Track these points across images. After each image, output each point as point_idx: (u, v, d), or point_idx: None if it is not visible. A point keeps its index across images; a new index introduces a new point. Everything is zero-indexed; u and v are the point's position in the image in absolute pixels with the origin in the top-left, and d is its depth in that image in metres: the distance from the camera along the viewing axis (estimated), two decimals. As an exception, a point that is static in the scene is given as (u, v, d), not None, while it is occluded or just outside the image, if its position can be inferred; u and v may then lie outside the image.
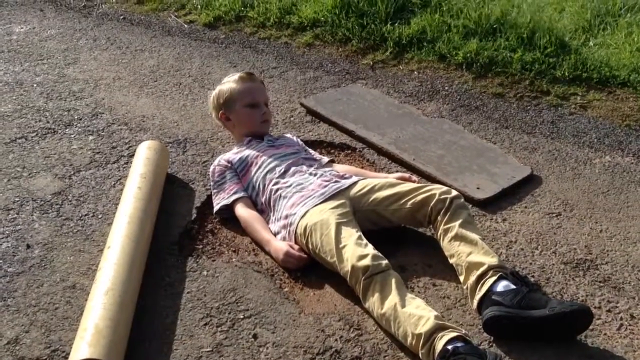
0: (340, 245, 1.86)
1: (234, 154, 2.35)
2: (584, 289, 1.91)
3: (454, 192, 2.01)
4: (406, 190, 2.05)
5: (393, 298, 1.71)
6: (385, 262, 1.81)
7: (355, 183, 2.14)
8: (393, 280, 1.76)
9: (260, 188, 2.22)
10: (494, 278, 1.76)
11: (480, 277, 1.79)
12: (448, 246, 1.93)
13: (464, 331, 1.61)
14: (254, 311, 1.83)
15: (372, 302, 1.75)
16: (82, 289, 1.90)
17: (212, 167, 2.34)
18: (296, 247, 2.03)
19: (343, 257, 1.84)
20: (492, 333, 1.73)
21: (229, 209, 2.22)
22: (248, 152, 2.32)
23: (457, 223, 1.92)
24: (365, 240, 1.88)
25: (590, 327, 1.76)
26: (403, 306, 1.68)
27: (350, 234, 1.89)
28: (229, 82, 2.45)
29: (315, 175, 2.18)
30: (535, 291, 1.75)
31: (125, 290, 1.73)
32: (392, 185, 2.10)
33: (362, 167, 2.54)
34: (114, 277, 1.75)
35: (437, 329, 1.60)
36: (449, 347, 1.54)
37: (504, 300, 1.71)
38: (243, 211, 2.18)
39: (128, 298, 1.73)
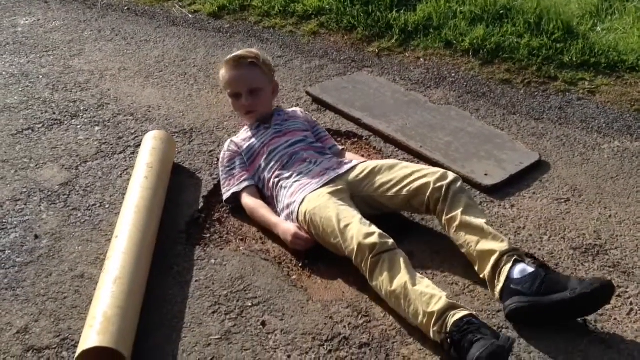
0: (343, 225, 1.85)
1: (243, 140, 2.33)
2: (594, 274, 1.90)
3: (450, 177, 1.96)
4: (402, 176, 2.02)
5: (403, 276, 1.70)
6: (391, 241, 1.80)
7: (353, 167, 2.13)
8: (401, 259, 1.75)
9: (265, 180, 2.22)
10: (509, 265, 1.75)
11: (495, 266, 1.78)
12: (455, 236, 1.92)
13: (475, 312, 1.61)
14: (262, 299, 1.84)
15: (381, 280, 1.74)
16: (90, 278, 1.91)
17: (222, 153, 2.34)
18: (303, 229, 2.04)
19: (347, 235, 1.82)
20: (516, 322, 1.72)
21: (237, 197, 2.22)
22: (254, 142, 2.30)
23: (459, 211, 1.89)
24: (368, 221, 1.87)
25: (600, 312, 1.75)
26: (414, 285, 1.68)
27: (352, 214, 1.88)
28: (222, 64, 2.36)
29: (315, 163, 2.17)
30: (552, 272, 1.74)
31: (133, 279, 1.74)
32: (391, 167, 2.07)
33: (369, 156, 2.53)
34: (122, 266, 1.75)
35: (450, 307, 1.60)
36: (464, 318, 1.55)
37: (524, 289, 1.69)
38: (249, 200, 2.18)
39: (137, 287, 1.74)
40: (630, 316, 1.76)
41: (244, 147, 2.30)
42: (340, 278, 1.90)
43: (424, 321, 1.63)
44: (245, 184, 2.22)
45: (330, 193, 1.99)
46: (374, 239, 1.77)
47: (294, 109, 2.54)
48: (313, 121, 2.50)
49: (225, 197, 2.23)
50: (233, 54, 2.32)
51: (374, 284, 1.78)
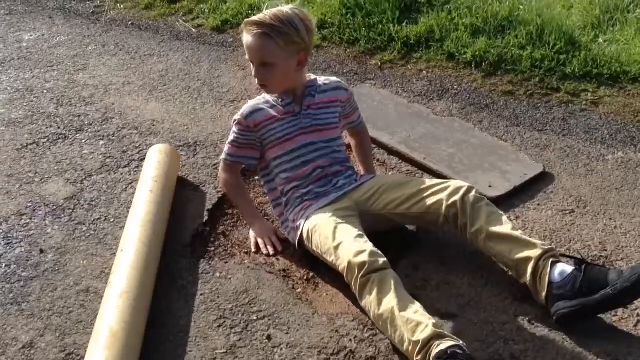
0: (337, 242, 1.82)
1: (266, 120, 2.09)
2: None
3: (462, 189, 1.92)
4: (410, 193, 1.98)
5: (391, 300, 1.66)
6: (383, 259, 1.75)
7: (361, 185, 2.09)
8: (392, 280, 1.71)
9: (277, 179, 2.12)
10: (548, 269, 1.74)
11: (534, 273, 1.77)
12: (485, 249, 1.88)
13: (462, 342, 1.56)
14: (267, 312, 1.83)
15: (369, 301, 1.71)
16: (95, 292, 1.91)
17: (238, 117, 2.11)
18: (282, 235, 2.13)
19: (339, 253, 1.80)
20: (564, 326, 1.74)
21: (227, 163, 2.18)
22: (277, 130, 2.09)
23: (483, 223, 1.85)
24: (365, 238, 1.82)
25: (608, 325, 1.75)
26: (401, 310, 1.64)
27: (349, 232, 1.84)
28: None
29: (333, 184, 2.09)
30: (590, 268, 1.73)
31: (139, 293, 1.73)
32: (399, 185, 2.04)
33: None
34: (127, 280, 1.76)
35: (435, 336, 1.56)
36: (448, 350, 1.51)
37: (566, 292, 1.70)
38: (232, 177, 2.20)
39: (142, 301, 1.74)
40: (638, 328, 1.76)
41: (265, 129, 2.09)
42: (346, 291, 1.89)
43: (409, 349, 1.60)
44: (242, 161, 2.16)
45: (335, 211, 1.96)
46: (363, 257, 1.73)
47: (330, 81, 2.23)
48: (347, 98, 2.24)
49: (223, 156, 2.19)
50: (254, 17, 2.02)
51: (363, 304, 1.75)
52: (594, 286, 1.67)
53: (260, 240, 2.11)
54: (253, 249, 2.09)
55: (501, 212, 1.93)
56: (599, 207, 2.28)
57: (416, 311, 1.64)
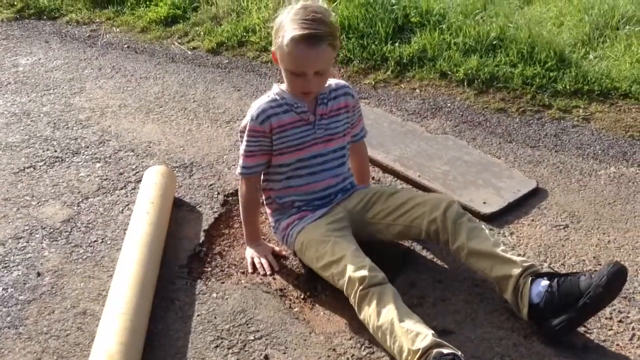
0: (337, 258, 1.84)
1: (280, 124, 1.99)
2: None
3: (443, 204, 1.94)
4: (398, 204, 2.02)
5: (391, 311, 1.68)
6: (382, 275, 1.78)
7: (353, 193, 2.12)
8: (391, 294, 1.73)
9: (275, 183, 2.11)
10: (528, 287, 1.76)
11: (515, 291, 1.79)
12: (467, 264, 1.92)
13: (460, 352, 1.57)
14: (264, 332, 1.84)
15: (368, 313, 1.73)
16: (92, 314, 1.91)
17: (248, 121, 2.00)
18: (281, 252, 2.14)
19: (339, 268, 1.82)
20: (557, 342, 1.77)
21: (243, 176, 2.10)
22: (289, 138, 2.01)
23: (464, 239, 1.88)
24: (362, 253, 1.86)
25: (603, 339, 1.76)
26: (401, 321, 1.66)
27: (347, 247, 1.87)
28: (287, 27, 1.85)
29: (331, 198, 2.10)
30: (564, 280, 1.75)
31: (135, 315, 1.74)
32: (389, 195, 2.07)
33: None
34: (124, 302, 1.76)
35: (435, 345, 1.58)
36: (448, 355, 1.54)
37: (547, 311, 1.73)
38: (252, 193, 2.11)
39: (139, 322, 1.74)
40: (633, 341, 1.77)
41: (277, 137, 2.01)
42: (343, 309, 1.90)
43: (408, 358, 1.61)
44: (258, 169, 2.07)
45: (328, 224, 1.98)
46: (364, 272, 1.76)
47: (338, 85, 2.12)
48: (354, 104, 2.17)
49: (238, 170, 2.09)
50: (309, 28, 1.82)
51: (362, 317, 1.77)
52: (570, 299, 1.70)
53: (257, 260, 2.11)
54: (250, 270, 2.10)
55: (482, 227, 1.95)
56: (592, 222, 2.29)
57: (415, 322, 1.66)
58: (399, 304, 1.72)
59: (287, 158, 2.04)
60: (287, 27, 1.85)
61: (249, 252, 2.16)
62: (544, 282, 1.76)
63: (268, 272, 2.08)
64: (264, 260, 2.11)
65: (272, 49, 1.95)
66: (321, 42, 1.83)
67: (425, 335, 1.60)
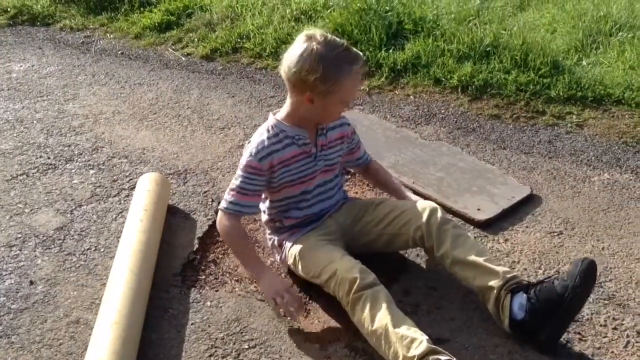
0: (328, 262, 1.84)
1: (282, 160, 1.92)
2: (589, 307, 1.91)
3: (427, 211, 1.94)
4: (385, 213, 2.03)
5: (385, 316, 1.68)
6: (373, 276, 1.78)
7: (342, 206, 2.12)
8: (383, 297, 1.73)
9: (276, 211, 2.07)
10: (509, 298, 1.76)
11: (497, 302, 1.79)
12: (451, 272, 1.92)
13: (455, 359, 1.58)
14: (258, 341, 1.83)
15: (363, 317, 1.72)
16: (85, 323, 1.89)
17: (250, 155, 1.91)
18: (295, 289, 2.01)
19: (330, 272, 1.81)
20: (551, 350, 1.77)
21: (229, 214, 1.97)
22: (295, 170, 1.96)
23: (448, 247, 1.87)
24: (352, 257, 1.85)
25: (598, 346, 1.76)
26: (395, 326, 1.66)
27: (338, 252, 1.88)
28: (339, 62, 1.79)
29: (323, 219, 2.09)
30: (541, 288, 1.75)
31: (129, 324, 1.73)
32: (377, 205, 2.08)
33: (363, 192, 2.55)
34: (117, 310, 1.75)
35: (430, 352, 1.58)
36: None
37: (530, 325, 1.74)
38: (236, 226, 1.96)
39: (132, 331, 1.73)
40: (628, 349, 1.77)
41: (278, 173, 1.94)
42: (337, 317, 1.90)
43: None
44: (247, 211, 1.97)
45: (319, 235, 1.99)
46: (355, 273, 1.75)
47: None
48: (351, 132, 2.16)
49: (224, 205, 1.96)
50: (362, 63, 1.83)
51: (355, 320, 1.76)
52: (551, 304, 1.71)
53: (279, 300, 1.85)
54: (279, 310, 1.92)
55: (467, 235, 1.95)
56: (586, 228, 2.30)
57: (409, 327, 1.66)
58: (392, 308, 1.71)
59: (289, 191, 2.00)
60: (332, 59, 1.76)
61: (265, 289, 1.91)
62: (524, 295, 1.76)
63: (296, 310, 1.86)
64: (287, 297, 1.86)
65: (303, 89, 1.82)
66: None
67: (420, 342, 1.60)
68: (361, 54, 1.84)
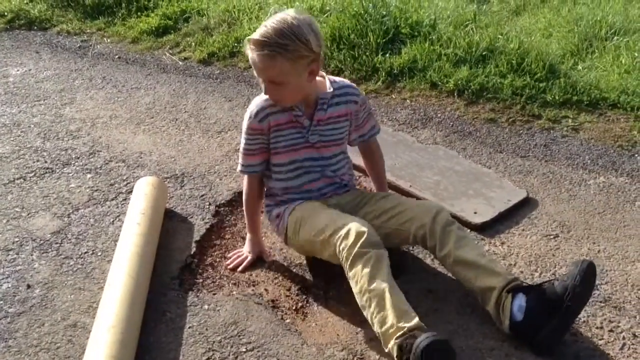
0: (336, 219, 1.88)
1: (276, 125, 1.99)
2: (585, 309, 1.91)
3: (432, 211, 1.95)
4: (389, 206, 2.04)
5: (384, 280, 1.72)
6: (380, 240, 1.83)
7: (345, 192, 2.15)
8: (386, 263, 1.78)
9: (273, 182, 2.11)
10: (510, 300, 1.77)
11: (497, 303, 1.80)
12: (452, 272, 1.93)
13: (447, 338, 1.64)
14: (256, 344, 1.83)
15: (361, 273, 1.74)
16: (83, 327, 1.89)
17: (250, 117, 1.99)
18: (269, 258, 2.18)
19: (337, 226, 1.84)
20: (548, 352, 1.78)
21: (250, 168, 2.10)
22: (286, 136, 2.02)
23: (452, 247, 1.88)
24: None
25: (593, 348, 1.77)
26: (392, 295, 1.69)
27: (347, 215, 1.92)
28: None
29: (325, 194, 2.13)
30: (542, 292, 1.77)
31: (126, 327, 1.73)
32: (381, 197, 2.11)
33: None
34: (115, 314, 1.75)
35: (419, 328, 1.65)
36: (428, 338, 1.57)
37: (531, 324, 1.74)
38: (250, 187, 2.14)
39: (130, 335, 1.73)
40: (624, 351, 1.77)
41: (272, 136, 2.01)
42: (335, 320, 1.90)
43: (390, 331, 1.65)
44: (258, 169, 2.09)
45: (322, 203, 2.04)
46: (364, 227, 1.80)
47: (343, 89, 2.07)
48: (358, 108, 2.11)
49: (239, 168, 2.11)
50: (258, 32, 1.81)
51: (351, 274, 1.78)
52: (551, 305, 1.72)
53: (235, 255, 2.19)
54: (227, 261, 2.18)
55: (471, 237, 1.98)
56: (582, 231, 2.31)
57: (405, 303, 1.71)
58: (392, 279, 1.75)
59: (281, 158, 2.06)
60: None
61: (245, 246, 2.21)
62: (524, 297, 1.77)
63: (229, 267, 2.15)
64: (240, 259, 2.17)
65: None
66: (266, 51, 1.79)
67: (412, 317, 1.66)
68: (267, 38, 1.79)
